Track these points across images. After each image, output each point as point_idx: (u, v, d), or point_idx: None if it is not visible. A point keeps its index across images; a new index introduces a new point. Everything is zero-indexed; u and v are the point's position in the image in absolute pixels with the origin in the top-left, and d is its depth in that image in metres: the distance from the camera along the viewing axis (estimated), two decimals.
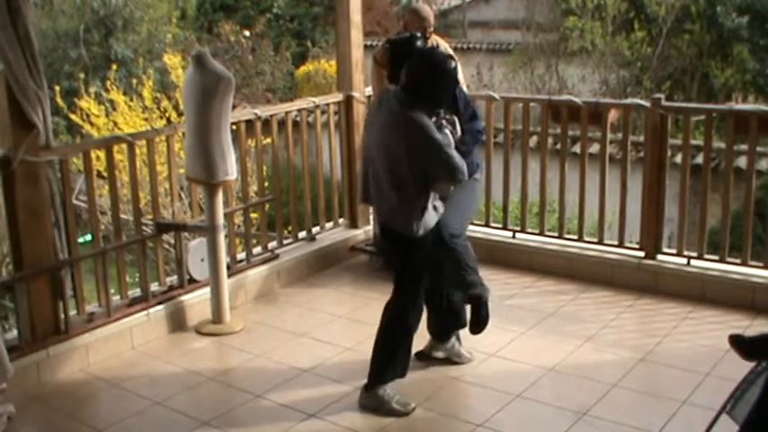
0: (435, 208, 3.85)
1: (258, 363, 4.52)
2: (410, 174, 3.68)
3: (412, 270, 3.94)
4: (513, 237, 5.84)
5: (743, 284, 4.98)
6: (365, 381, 4.11)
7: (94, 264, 4.66)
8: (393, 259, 4.09)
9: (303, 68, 14.63)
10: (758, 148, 5.72)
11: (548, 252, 5.66)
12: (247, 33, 14.77)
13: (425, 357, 4.41)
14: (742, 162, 6.85)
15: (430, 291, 4.08)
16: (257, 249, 5.59)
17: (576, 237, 5.63)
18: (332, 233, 6.06)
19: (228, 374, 4.45)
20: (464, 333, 4.40)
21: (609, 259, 5.44)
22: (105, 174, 4.98)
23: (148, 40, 14.69)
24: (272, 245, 5.68)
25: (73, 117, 9.88)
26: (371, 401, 3.99)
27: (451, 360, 4.39)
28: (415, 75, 3.72)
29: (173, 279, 5.17)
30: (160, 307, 4.85)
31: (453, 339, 4.41)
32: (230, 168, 4.78)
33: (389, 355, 3.99)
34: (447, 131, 3.82)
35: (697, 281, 5.12)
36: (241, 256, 5.50)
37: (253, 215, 5.71)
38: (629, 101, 5.94)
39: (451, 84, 3.79)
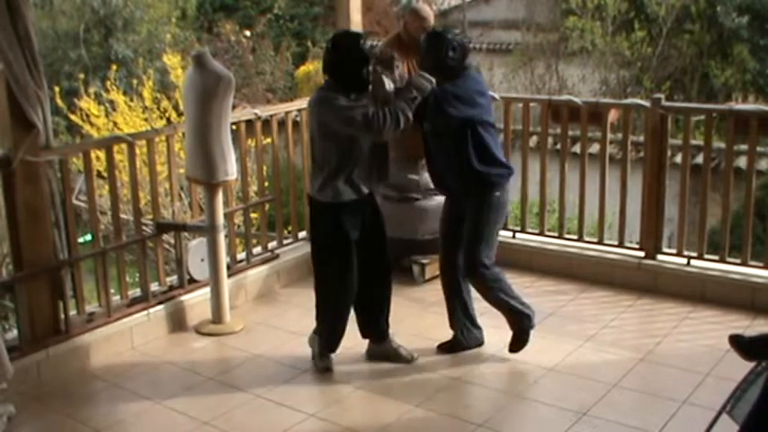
0: (352, 180, 4.10)
1: (258, 363, 4.52)
2: (320, 142, 4.11)
3: (320, 241, 4.26)
4: (513, 237, 5.84)
5: (743, 284, 4.98)
6: (365, 380, 4.14)
7: (94, 264, 4.66)
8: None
9: (303, 68, 14.60)
10: (758, 148, 5.72)
11: (548, 252, 5.66)
12: (248, 33, 14.74)
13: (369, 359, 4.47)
14: (742, 162, 6.85)
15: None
16: (257, 249, 5.59)
17: (576, 237, 5.63)
18: None
19: (228, 374, 4.45)
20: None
21: (609, 259, 5.44)
22: (105, 174, 4.98)
23: (148, 40, 14.67)
24: (272, 245, 5.68)
25: (73, 117, 9.86)
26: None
27: (391, 360, 4.40)
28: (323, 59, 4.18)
29: (173, 279, 5.17)
30: (160, 307, 4.86)
31: (390, 339, 4.42)
32: (230, 168, 4.78)
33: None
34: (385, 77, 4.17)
35: (697, 281, 5.11)
36: (241, 256, 5.50)
37: (253, 215, 5.71)
38: (629, 101, 5.94)
39: (344, 55, 4.04)
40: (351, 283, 4.23)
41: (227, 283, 4.95)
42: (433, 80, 4.12)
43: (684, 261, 5.21)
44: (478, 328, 4.55)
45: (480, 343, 4.54)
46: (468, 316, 4.52)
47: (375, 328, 4.40)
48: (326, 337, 4.35)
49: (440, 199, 5.18)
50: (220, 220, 4.87)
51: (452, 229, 4.40)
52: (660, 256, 5.30)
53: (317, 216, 4.25)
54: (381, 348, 4.41)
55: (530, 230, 5.83)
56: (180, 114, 8.95)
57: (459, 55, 4.21)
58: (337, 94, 4.03)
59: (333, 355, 4.41)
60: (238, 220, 6.17)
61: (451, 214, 4.42)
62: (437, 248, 4.91)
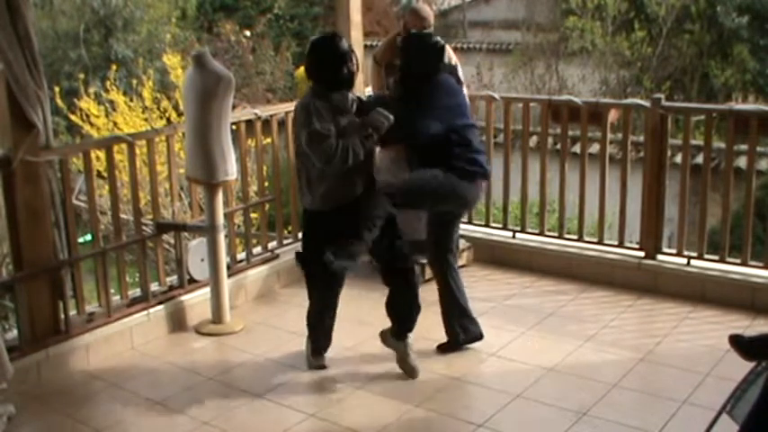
0: (331, 190, 4.07)
1: (258, 363, 4.52)
2: (301, 149, 4.11)
3: (305, 247, 4.31)
4: (513, 237, 5.84)
5: (743, 284, 4.98)
6: (365, 380, 4.18)
7: (94, 264, 4.66)
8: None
9: (303, 68, 14.60)
10: (758, 148, 5.72)
11: (548, 252, 5.66)
12: (248, 33, 14.75)
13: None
14: (742, 162, 6.85)
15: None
16: (257, 249, 5.59)
17: (576, 237, 5.63)
18: None
19: (228, 374, 4.44)
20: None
21: (609, 259, 5.44)
22: (105, 174, 4.98)
23: (148, 40, 14.68)
24: (272, 245, 5.68)
25: (73, 117, 9.87)
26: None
27: (397, 360, 4.31)
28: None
29: (173, 279, 5.17)
30: (160, 307, 4.85)
31: (405, 343, 4.28)
32: (230, 168, 4.78)
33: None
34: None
35: (697, 281, 5.11)
36: (241, 256, 5.50)
37: (253, 215, 5.71)
38: (629, 101, 5.94)
39: (322, 57, 4.11)
40: (329, 292, 4.33)
41: (227, 283, 4.95)
42: (391, 117, 4.08)
43: (684, 261, 5.21)
44: (475, 322, 4.55)
45: (479, 336, 4.54)
46: (462, 312, 4.52)
47: (392, 322, 4.36)
48: (312, 340, 4.44)
49: None
50: (220, 220, 4.87)
51: (436, 231, 4.46)
52: (660, 256, 5.30)
53: (304, 222, 4.33)
54: (394, 343, 4.34)
55: (530, 230, 5.83)
56: (180, 114, 8.95)
57: (440, 58, 4.27)
58: (319, 106, 4.00)
59: (327, 353, 4.44)
60: (238, 220, 6.17)
61: (434, 216, 4.48)
62: None
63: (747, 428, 2.73)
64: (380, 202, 4.21)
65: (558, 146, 6.11)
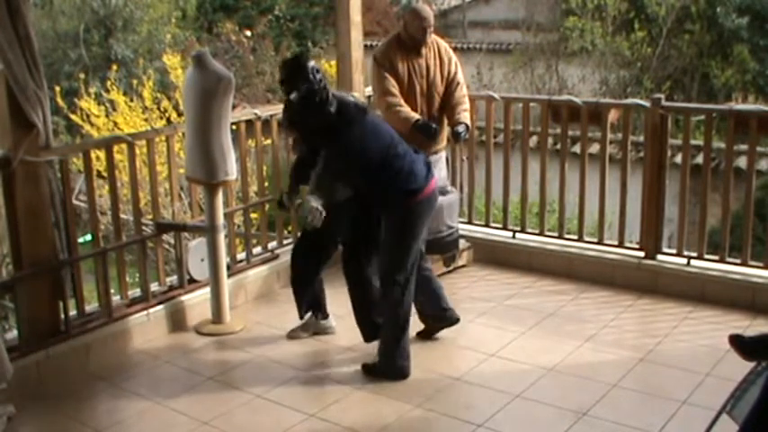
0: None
1: (258, 363, 4.52)
2: None
3: None
4: (513, 237, 5.84)
5: (743, 284, 4.98)
6: (365, 380, 4.19)
7: (94, 264, 4.66)
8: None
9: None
10: (758, 148, 5.72)
11: (548, 252, 5.66)
12: (248, 33, 14.76)
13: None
14: (742, 162, 6.85)
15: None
16: (257, 249, 5.59)
17: (576, 237, 5.63)
18: None
19: (228, 374, 4.45)
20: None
21: (609, 259, 5.44)
22: (105, 174, 4.99)
23: (148, 40, 14.68)
24: (272, 245, 5.68)
25: (73, 117, 9.88)
26: None
27: (320, 333, 4.76)
28: None
29: (173, 279, 5.17)
30: (160, 307, 4.85)
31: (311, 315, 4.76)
32: (230, 168, 4.78)
33: None
34: None
35: (697, 281, 5.11)
36: (241, 256, 5.50)
37: (253, 215, 5.71)
38: (629, 101, 5.94)
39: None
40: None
41: (227, 283, 4.95)
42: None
43: (684, 261, 5.21)
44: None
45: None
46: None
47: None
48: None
49: (442, 198, 5.18)
50: (220, 220, 4.87)
51: None
52: (660, 256, 5.30)
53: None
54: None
55: (530, 230, 5.83)
56: (180, 114, 8.96)
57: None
58: None
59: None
60: (238, 220, 6.17)
61: None
62: (434, 248, 4.95)
63: (747, 428, 2.73)
64: None
65: (558, 146, 6.11)
